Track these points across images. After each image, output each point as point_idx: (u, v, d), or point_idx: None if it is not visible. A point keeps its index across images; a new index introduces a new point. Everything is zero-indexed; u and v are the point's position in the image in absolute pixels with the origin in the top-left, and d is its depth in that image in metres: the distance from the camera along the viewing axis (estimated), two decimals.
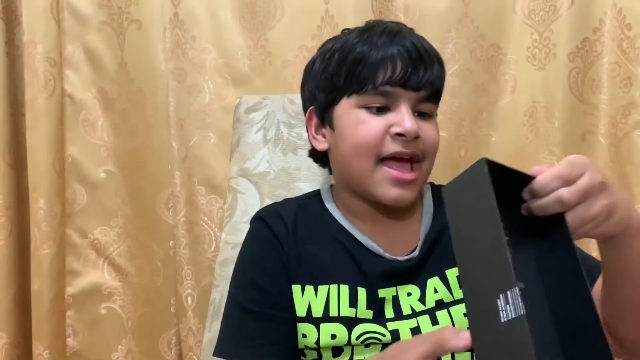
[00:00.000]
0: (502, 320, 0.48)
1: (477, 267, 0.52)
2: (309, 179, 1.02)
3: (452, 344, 0.55)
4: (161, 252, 1.35)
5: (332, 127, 0.82)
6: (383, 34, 0.78)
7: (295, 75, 1.27)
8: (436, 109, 0.82)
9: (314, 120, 0.86)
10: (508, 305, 0.48)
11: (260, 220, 0.84)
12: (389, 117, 0.77)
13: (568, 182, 0.55)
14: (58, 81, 1.33)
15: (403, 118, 0.76)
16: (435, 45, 1.20)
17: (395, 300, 0.78)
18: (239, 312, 0.78)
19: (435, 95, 0.80)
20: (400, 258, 0.80)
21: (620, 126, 1.20)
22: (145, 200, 1.35)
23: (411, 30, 0.82)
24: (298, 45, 1.28)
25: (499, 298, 0.48)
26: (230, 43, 1.30)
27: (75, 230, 1.35)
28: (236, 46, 1.30)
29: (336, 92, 0.80)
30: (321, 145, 0.85)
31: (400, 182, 0.78)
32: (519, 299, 0.47)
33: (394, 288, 0.79)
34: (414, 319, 0.77)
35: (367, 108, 0.78)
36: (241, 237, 0.86)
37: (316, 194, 0.89)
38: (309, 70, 0.86)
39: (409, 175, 0.78)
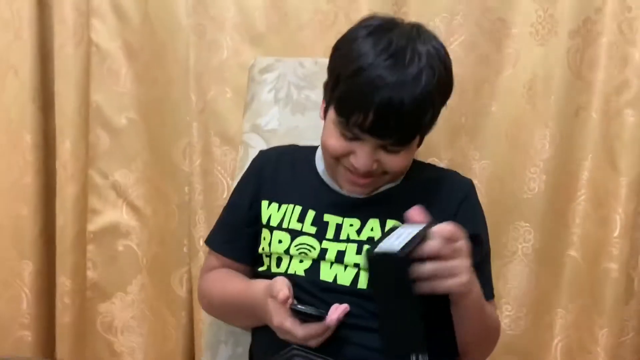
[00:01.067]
0: None
1: (395, 319, 0.69)
2: (314, 138, 1.09)
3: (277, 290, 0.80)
4: (176, 197, 1.42)
5: (325, 117, 0.92)
6: (376, 76, 0.80)
7: (309, 37, 1.33)
8: (406, 146, 0.87)
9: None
10: None
11: (257, 155, 1.05)
12: (354, 146, 0.86)
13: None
14: (85, 30, 1.38)
15: (361, 157, 0.85)
16: (444, 16, 1.26)
17: (339, 226, 0.92)
18: (220, 221, 1.05)
19: (403, 142, 0.86)
20: (352, 195, 0.93)
21: (612, 104, 1.26)
22: (164, 148, 1.42)
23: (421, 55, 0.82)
24: (313, 9, 1.33)
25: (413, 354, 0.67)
26: (249, 2, 1.35)
27: (98, 171, 1.42)
28: (254, 6, 1.34)
29: (329, 98, 0.90)
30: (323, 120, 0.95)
31: (355, 183, 0.90)
32: None
33: (340, 217, 0.93)
34: (345, 244, 0.90)
35: (341, 130, 0.86)
36: None
37: (316, 147, 1.01)
38: (333, 50, 0.91)
39: (362, 181, 0.89)
